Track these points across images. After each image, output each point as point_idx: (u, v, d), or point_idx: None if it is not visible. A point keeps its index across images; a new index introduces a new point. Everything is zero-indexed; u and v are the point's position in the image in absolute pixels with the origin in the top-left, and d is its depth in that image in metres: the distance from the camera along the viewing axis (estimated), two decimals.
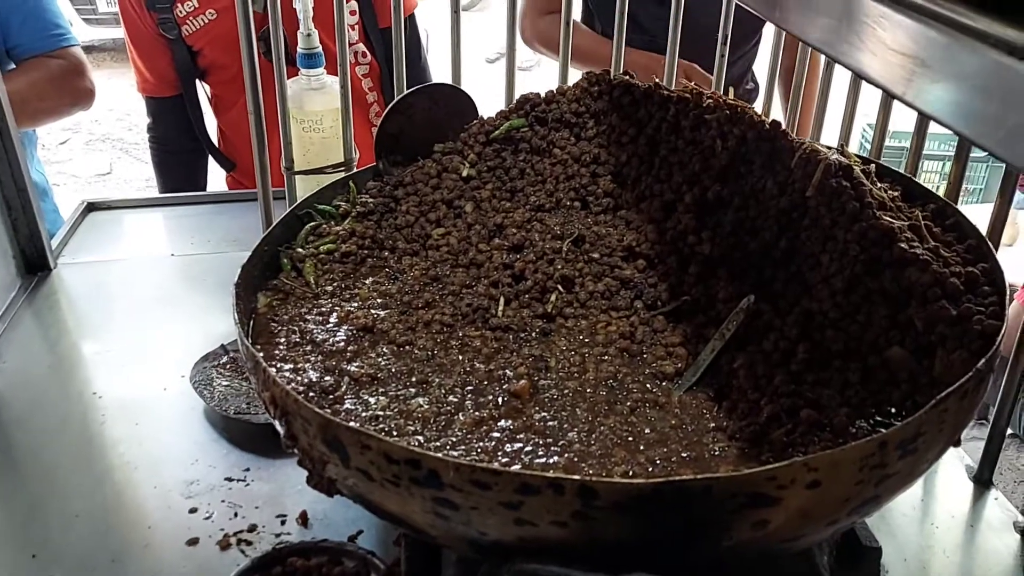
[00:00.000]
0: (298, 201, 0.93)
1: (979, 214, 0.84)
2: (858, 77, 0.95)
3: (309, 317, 0.80)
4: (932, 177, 3.50)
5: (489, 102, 1.04)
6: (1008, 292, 0.69)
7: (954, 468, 0.89)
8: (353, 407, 0.69)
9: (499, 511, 0.55)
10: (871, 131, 2.94)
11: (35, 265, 1.22)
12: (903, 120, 1.41)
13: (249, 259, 0.81)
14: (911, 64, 0.49)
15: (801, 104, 1.23)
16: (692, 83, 1.49)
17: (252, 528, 0.80)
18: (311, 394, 0.70)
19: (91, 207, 1.43)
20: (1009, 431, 2.38)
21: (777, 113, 1.34)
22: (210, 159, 1.73)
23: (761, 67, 1.72)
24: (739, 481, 0.54)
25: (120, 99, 5.54)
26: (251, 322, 0.79)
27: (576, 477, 0.53)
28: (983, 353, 0.62)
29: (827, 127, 1.20)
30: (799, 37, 0.62)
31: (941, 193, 0.88)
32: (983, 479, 0.87)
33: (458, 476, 0.55)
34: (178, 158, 1.71)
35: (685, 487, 0.54)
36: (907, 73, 0.49)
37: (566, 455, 0.64)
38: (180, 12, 1.50)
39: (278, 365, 0.73)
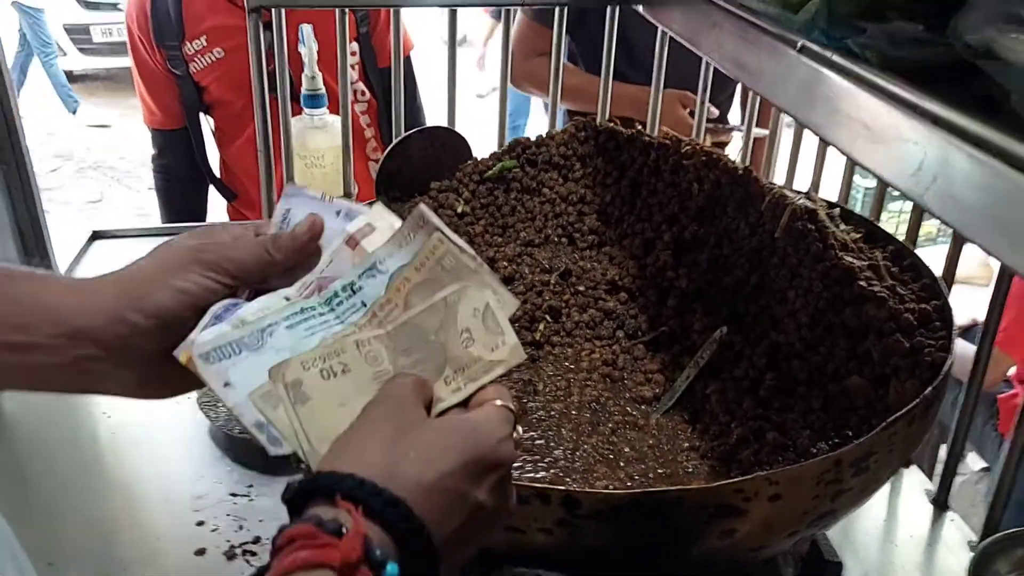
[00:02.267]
0: None
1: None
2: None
3: None
4: (900, 217, 3.58)
5: (478, 134, 1.11)
6: (954, 326, 0.75)
7: (914, 491, 0.95)
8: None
9: None
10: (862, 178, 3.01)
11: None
12: None
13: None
14: (858, 128, 0.56)
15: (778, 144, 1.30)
16: (687, 109, 1.56)
17: (256, 540, 0.85)
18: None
19: (96, 235, 1.49)
20: (982, 465, 2.43)
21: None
22: (211, 189, 1.79)
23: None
24: (709, 493, 0.60)
25: (111, 127, 5.61)
26: None
27: (561, 488, 0.59)
28: (932, 382, 0.68)
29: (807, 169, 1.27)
30: (768, 100, 0.69)
31: (903, 233, 0.95)
32: (940, 502, 0.93)
33: None
34: (181, 188, 1.77)
35: (660, 498, 0.60)
36: (854, 136, 0.56)
37: (552, 470, 0.70)
38: (188, 50, 1.57)
39: None
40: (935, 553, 0.88)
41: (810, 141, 1.21)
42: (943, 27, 0.54)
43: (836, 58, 0.59)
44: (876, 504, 0.94)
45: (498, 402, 0.48)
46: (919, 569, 0.86)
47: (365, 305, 0.54)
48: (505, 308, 0.50)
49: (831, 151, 1.17)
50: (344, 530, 0.40)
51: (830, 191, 1.09)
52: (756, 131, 1.32)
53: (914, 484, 0.97)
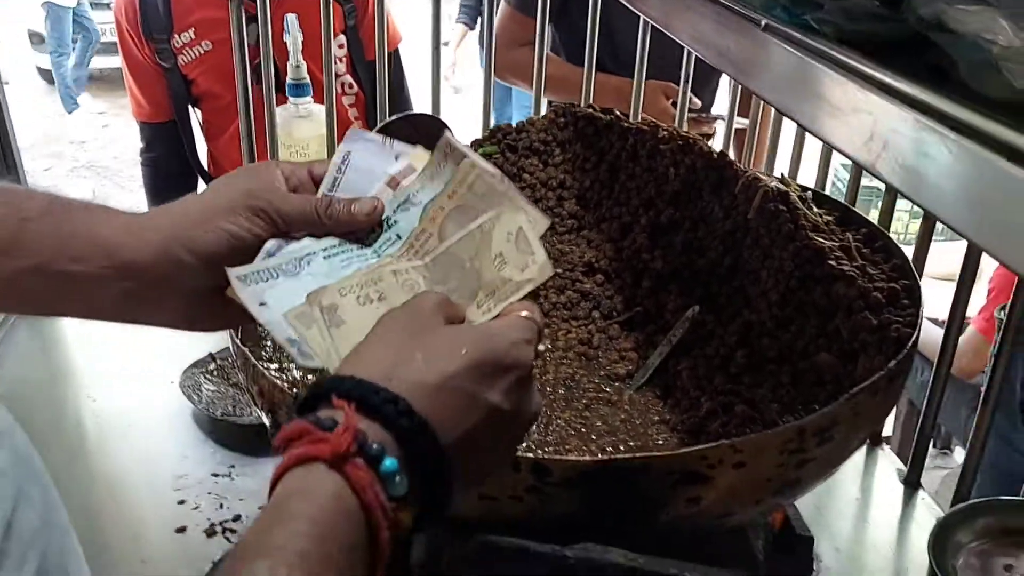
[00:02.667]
0: None
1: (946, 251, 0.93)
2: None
3: None
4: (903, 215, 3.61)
5: (463, 126, 1.12)
6: (922, 304, 0.77)
7: (887, 472, 0.97)
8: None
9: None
10: (844, 171, 3.05)
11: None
12: None
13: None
14: (815, 100, 0.57)
15: (757, 135, 1.32)
16: (671, 100, 1.57)
17: (236, 518, 0.86)
18: (295, 390, 0.77)
19: None
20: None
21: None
22: (200, 182, 1.80)
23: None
24: (674, 460, 0.61)
25: (104, 127, 5.62)
26: (239, 329, 0.86)
27: (531, 455, 0.60)
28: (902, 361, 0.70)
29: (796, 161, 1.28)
30: (753, 91, 0.71)
31: (913, 232, 0.97)
32: (912, 481, 0.95)
33: None
34: (169, 181, 1.77)
35: (626, 464, 0.61)
36: (812, 108, 0.58)
37: (525, 443, 0.71)
38: (177, 43, 1.58)
39: (264, 365, 0.80)
40: (906, 530, 0.90)
41: (789, 129, 1.23)
42: (898, 2, 0.55)
43: (795, 34, 0.60)
44: (849, 483, 0.96)
45: (523, 313, 0.49)
46: (889, 545, 0.88)
47: (400, 238, 0.55)
48: (536, 228, 0.51)
49: (809, 139, 1.19)
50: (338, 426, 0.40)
51: (809, 180, 1.10)
52: (738, 121, 1.33)
53: (886, 465, 0.98)
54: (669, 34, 0.87)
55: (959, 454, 2.61)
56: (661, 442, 0.71)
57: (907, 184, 0.49)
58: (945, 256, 1.36)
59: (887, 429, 1.41)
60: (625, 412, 0.75)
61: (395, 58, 1.72)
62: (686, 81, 1.32)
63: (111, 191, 4.92)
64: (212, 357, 1.07)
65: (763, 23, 0.64)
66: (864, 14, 0.58)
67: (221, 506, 0.88)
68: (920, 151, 0.48)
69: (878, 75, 0.53)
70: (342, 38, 1.63)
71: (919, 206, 0.47)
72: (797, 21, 0.61)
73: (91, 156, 5.40)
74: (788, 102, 0.64)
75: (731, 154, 1.23)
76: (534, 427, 0.73)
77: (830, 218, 0.91)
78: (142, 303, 0.56)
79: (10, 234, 0.53)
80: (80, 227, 0.55)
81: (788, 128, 1.24)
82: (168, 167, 1.75)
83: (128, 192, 4.75)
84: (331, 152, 1.24)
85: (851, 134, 0.54)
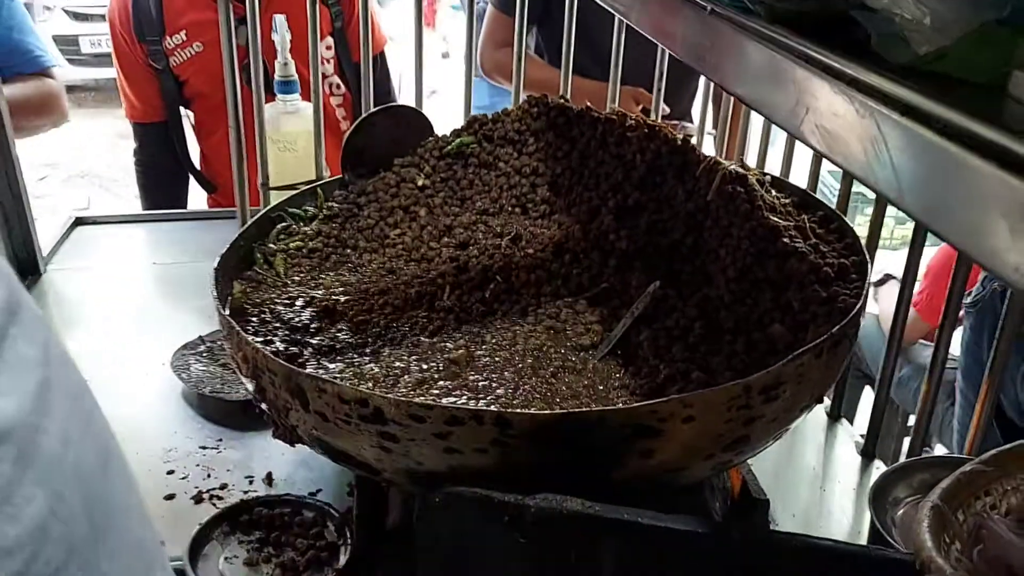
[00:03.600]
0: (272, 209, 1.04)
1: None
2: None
3: (278, 301, 0.92)
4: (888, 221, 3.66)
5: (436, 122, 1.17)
6: (868, 278, 0.82)
7: (844, 443, 1.01)
8: (314, 371, 0.80)
9: (432, 441, 0.67)
10: (832, 178, 3.11)
11: (27, 270, 1.33)
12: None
13: (227, 250, 0.93)
14: (752, 75, 0.62)
15: (728, 131, 1.37)
16: (640, 106, 1.63)
17: (223, 486, 0.90)
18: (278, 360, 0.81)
19: (79, 221, 1.54)
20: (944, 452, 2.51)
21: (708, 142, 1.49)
22: (191, 182, 1.85)
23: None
24: (627, 413, 0.66)
25: (99, 136, 5.65)
26: (227, 304, 0.90)
27: (494, 409, 0.64)
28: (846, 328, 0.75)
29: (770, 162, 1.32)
30: (726, 89, 0.76)
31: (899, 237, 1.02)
32: (868, 452, 0.99)
33: (398, 411, 0.66)
34: (161, 180, 1.82)
35: (583, 417, 0.66)
36: (749, 84, 0.63)
37: (492, 406, 0.75)
38: (169, 44, 1.63)
39: (250, 338, 0.84)
40: (862, 497, 0.94)
41: (780, 136, 1.27)
42: None
43: (734, 15, 0.65)
44: (808, 455, 1.00)
45: None
46: (843, 512, 0.92)
47: None
48: None
49: (799, 146, 1.23)
50: None
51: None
52: (689, 126, 1.39)
53: (845, 438, 1.03)
54: (635, 27, 0.92)
55: (939, 450, 2.65)
56: (621, 405, 0.76)
57: (824, 144, 0.54)
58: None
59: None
60: (589, 379, 0.79)
61: (381, 60, 1.77)
62: (659, 79, 1.38)
63: (106, 199, 4.96)
64: (202, 340, 1.11)
65: (709, 8, 0.69)
66: None
67: (208, 476, 0.92)
68: (833, 112, 0.53)
69: (799, 47, 0.58)
70: (330, 40, 1.69)
71: (834, 164, 0.52)
72: (737, 4, 0.66)
73: (85, 165, 5.44)
74: (732, 81, 0.69)
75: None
76: (502, 391, 0.78)
77: (787, 201, 0.95)
78: None
79: None
80: None
81: (779, 135, 1.28)
82: (160, 166, 1.80)
83: (122, 200, 4.78)
84: (318, 147, 1.29)
85: (778, 102, 0.59)
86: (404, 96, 1.96)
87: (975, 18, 0.51)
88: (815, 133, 0.54)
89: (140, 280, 1.36)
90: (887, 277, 2.30)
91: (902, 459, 0.93)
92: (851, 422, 1.08)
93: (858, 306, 0.76)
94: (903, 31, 0.52)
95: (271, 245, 0.99)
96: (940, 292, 1.32)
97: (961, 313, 1.43)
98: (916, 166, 0.48)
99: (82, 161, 5.47)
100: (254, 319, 0.88)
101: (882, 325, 2.22)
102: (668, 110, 1.70)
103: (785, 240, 0.85)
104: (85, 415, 0.44)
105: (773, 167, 1.24)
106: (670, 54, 1.36)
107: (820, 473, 0.97)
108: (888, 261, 2.41)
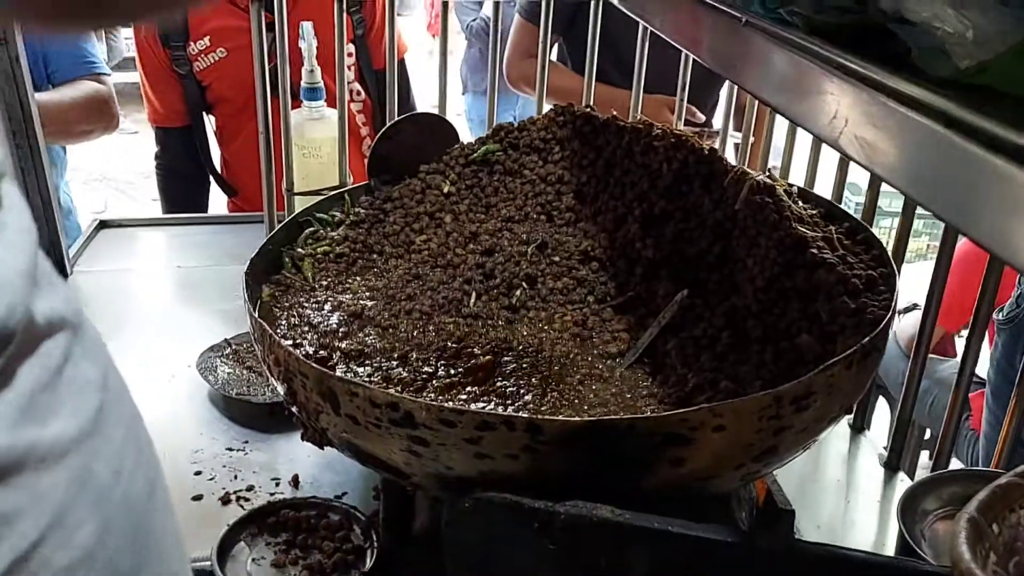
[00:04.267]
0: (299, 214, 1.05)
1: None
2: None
3: (306, 305, 0.92)
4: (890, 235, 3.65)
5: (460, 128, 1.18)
6: (897, 289, 0.82)
7: (868, 455, 1.01)
8: (343, 374, 0.81)
9: (462, 446, 0.67)
10: (852, 193, 3.10)
11: None
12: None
13: (256, 255, 0.94)
14: (787, 86, 0.63)
15: (752, 140, 1.37)
16: (674, 114, 1.64)
17: (250, 488, 0.91)
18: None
19: (103, 224, 1.55)
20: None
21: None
22: (212, 186, 1.87)
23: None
24: (658, 421, 0.66)
25: (114, 140, 5.69)
26: (257, 307, 0.91)
27: (525, 415, 0.65)
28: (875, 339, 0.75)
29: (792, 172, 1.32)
30: (761, 99, 0.76)
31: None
32: (892, 464, 0.99)
33: (429, 415, 0.67)
34: (183, 185, 1.84)
35: (614, 424, 0.66)
36: (784, 93, 0.63)
37: (521, 412, 0.75)
38: (192, 50, 1.65)
39: (282, 341, 0.85)
40: (886, 510, 0.94)
41: (803, 145, 1.27)
42: None
43: (769, 26, 0.66)
44: (832, 467, 1.00)
45: None
46: (868, 524, 0.92)
47: None
48: None
49: (825, 152, 1.23)
50: None
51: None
52: (732, 135, 1.39)
53: (869, 450, 1.02)
54: (663, 35, 0.93)
55: (954, 464, 2.64)
56: (649, 413, 0.76)
57: (863, 155, 0.54)
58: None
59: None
60: (616, 387, 0.80)
61: (401, 67, 1.79)
62: (683, 90, 1.38)
63: (124, 202, 5.00)
64: (228, 342, 1.12)
65: (744, 19, 0.70)
66: (830, 7, 0.63)
67: (235, 477, 0.93)
68: (874, 124, 0.53)
69: (839, 59, 0.58)
70: (351, 47, 1.70)
71: (874, 174, 0.53)
72: (772, 15, 0.66)
73: (103, 168, 5.48)
74: (766, 91, 0.69)
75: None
76: (529, 397, 0.78)
77: (814, 212, 0.96)
78: None
79: None
80: None
81: (802, 144, 1.28)
82: (182, 171, 1.82)
83: (138, 203, 4.82)
84: (343, 153, 1.30)
85: (816, 113, 0.59)
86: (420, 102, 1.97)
87: (1017, 32, 0.51)
88: (853, 144, 0.54)
89: (164, 283, 1.38)
90: (913, 306, 2.25)
91: (920, 471, 0.93)
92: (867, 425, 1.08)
93: (887, 318, 0.76)
94: (944, 44, 0.52)
95: (299, 250, 1.00)
96: (958, 299, 1.32)
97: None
98: (959, 177, 0.48)
99: (98, 164, 5.51)
100: (283, 322, 0.88)
101: (897, 337, 2.21)
102: (702, 117, 1.71)
103: (813, 251, 0.85)
104: (137, 444, 0.44)
105: (797, 177, 1.24)
106: (694, 63, 1.36)
107: (844, 484, 0.97)
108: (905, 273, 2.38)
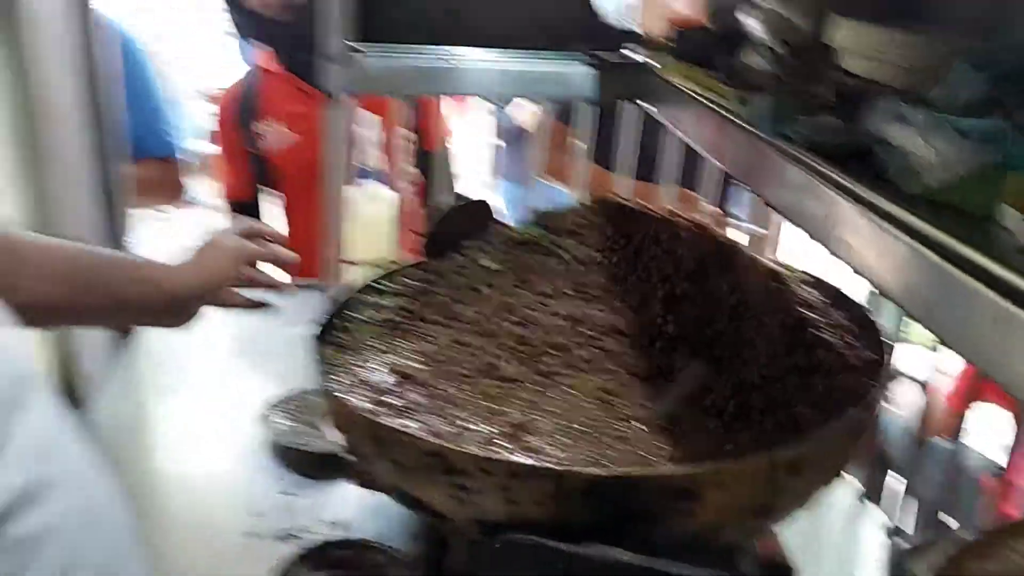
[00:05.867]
0: (350, 285, 1.18)
1: None
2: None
3: (362, 365, 1.04)
4: None
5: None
6: (890, 372, 0.91)
7: (872, 524, 1.09)
8: (394, 426, 0.92)
9: (496, 492, 0.77)
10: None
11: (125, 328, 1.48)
12: None
13: (318, 318, 1.06)
14: (789, 192, 0.74)
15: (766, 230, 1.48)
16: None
17: (302, 528, 1.01)
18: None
19: None
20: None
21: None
22: None
23: None
24: (669, 477, 0.76)
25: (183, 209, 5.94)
26: (319, 365, 1.02)
27: (551, 466, 0.75)
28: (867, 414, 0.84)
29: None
30: (768, 202, 0.87)
31: None
32: (894, 531, 1.06)
33: (469, 464, 0.77)
34: None
35: (630, 478, 0.76)
36: (787, 199, 0.74)
37: (549, 465, 0.85)
38: (265, 131, 1.81)
39: (339, 395, 0.96)
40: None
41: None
42: (853, 120, 0.73)
43: (776, 142, 0.78)
44: (836, 533, 1.08)
45: None
46: None
47: None
48: None
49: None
50: None
51: None
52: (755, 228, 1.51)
53: (872, 519, 1.10)
54: (687, 141, 1.05)
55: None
56: (662, 471, 0.85)
57: (846, 255, 0.65)
58: None
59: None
60: (634, 446, 0.89)
61: (445, 150, 1.94)
62: (717, 187, 1.50)
63: None
64: (287, 397, 1.24)
65: (757, 135, 0.82)
66: (828, 128, 0.75)
67: (288, 519, 1.03)
68: (856, 230, 0.64)
69: (831, 175, 0.70)
70: (405, 131, 1.85)
71: (855, 272, 0.63)
72: (779, 132, 0.78)
73: (170, 232, 5.70)
74: (772, 196, 0.81)
75: None
76: (557, 452, 0.88)
77: (821, 299, 1.06)
78: (160, 316, 1.00)
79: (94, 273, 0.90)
80: (141, 269, 0.96)
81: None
82: None
83: None
84: (394, 229, 1.43)
85: (810, 215, 0.70)
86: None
87: (974, 159, 0.62)
88: (840, 244, 0.65)
89: (228, 340, 1.50)
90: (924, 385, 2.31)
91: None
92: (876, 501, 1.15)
93: (880, 394, 0.86)
94: (915, 166, 0.64)
95: (356, 315, 1.12)
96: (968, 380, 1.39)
97: None
98: (920, 281, 0.59)
99: (164, 228, 5.74)
100: (342, 380, 1.00)
101: (905, 415, 2.24)
102: (721, 213, 1.83)
103: (814, 331, 0.95)
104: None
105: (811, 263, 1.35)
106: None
107: (848, 550, 1.04)
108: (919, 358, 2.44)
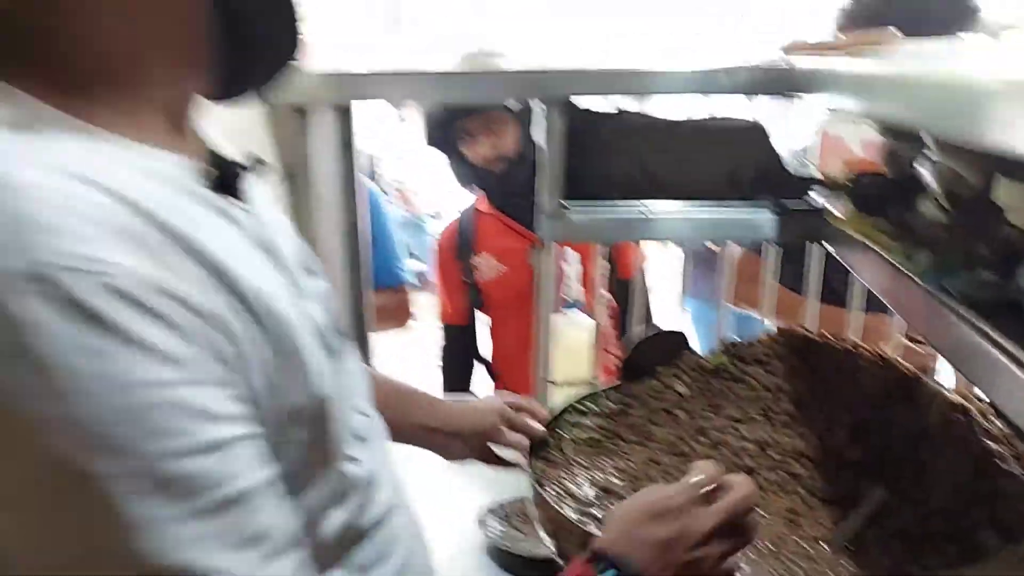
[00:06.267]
0: (557, 405, 1.33)
1: None
2: None
3: (568, 479, 1.18)
4: None
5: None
6: None
7: None
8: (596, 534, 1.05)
9: None
10: None
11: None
12: None
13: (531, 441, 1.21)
14: (951, 341, 0.83)
15: None
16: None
17: None
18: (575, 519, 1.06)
19: None
20: None
21: None
22: (476, 370, 2.22)
23: None
24: None
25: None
26: (536, 469, 1.18)
27: None
28: None
29: None
30: (935, 347, 0.96)
31: None
32: None
33: None
34: (458, 369, 2.21)
35: None
36: (950, 346, 0.83)
37: None
38: (479, 263, 2.05)
39: (552, 504, 1.11)
40: None
41: None
42: (1011, 276, 0.81)
43: (940, 296, 0.87)
44: None
45: (692, 479, 0.79)
46: None
47: None
48: None
49: None
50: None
51: None
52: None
53: None
54: (867, 285, 1.15)
55: None
56: None
57: (1006, 406, 0.73)
58: None
59: None
60: (820, 566, 0.97)
61: (642, 277, 2.09)
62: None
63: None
64: (501, 507, 1.39)
65: (926, 290, 0.91)
66: (985, 283, 0.84)
67: None
68: (1011, 380, 0.73)
69: (987, 328, 0.79)
70: (602, 262, 2.03)
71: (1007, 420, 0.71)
72: (938, 283, 0.88)
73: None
74: (941, 344, 0.89)
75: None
76: (748, 568, 0.97)
77: (1006, 430, 1.10)
78: (442, 448, 1.19)
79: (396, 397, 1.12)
80: (435, 405, 1.18)
81: None
82: (459, 359, 2.19)
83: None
84: (593, 353, 1.59)
85: (972, 364, 0.79)
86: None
87: None
88: (997, 393, 0.73)
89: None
90: None
91: None
92: None
93: None
94: None
95: (562, 432, 1.27)
96: None
97: None
98: None
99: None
100: (552, 490, 1.14)
101: None
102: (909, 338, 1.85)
103: (997, 461, 1.00)
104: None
105: None
106: None
107: None
108: None
